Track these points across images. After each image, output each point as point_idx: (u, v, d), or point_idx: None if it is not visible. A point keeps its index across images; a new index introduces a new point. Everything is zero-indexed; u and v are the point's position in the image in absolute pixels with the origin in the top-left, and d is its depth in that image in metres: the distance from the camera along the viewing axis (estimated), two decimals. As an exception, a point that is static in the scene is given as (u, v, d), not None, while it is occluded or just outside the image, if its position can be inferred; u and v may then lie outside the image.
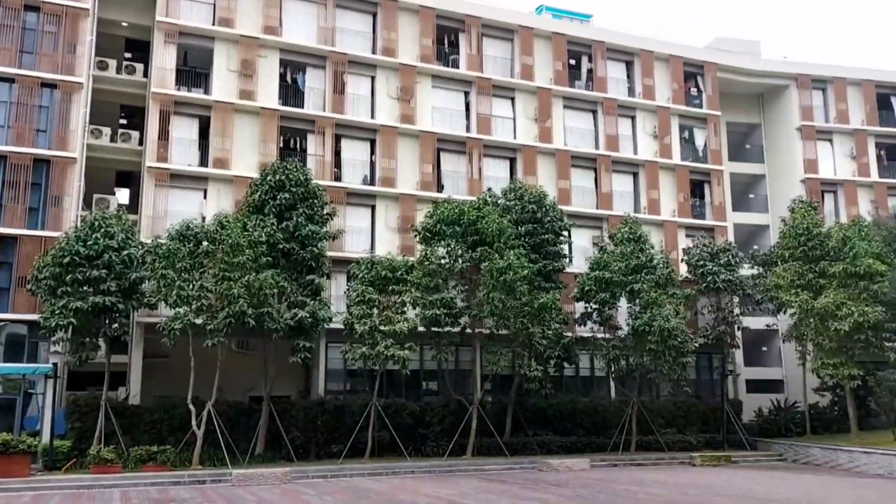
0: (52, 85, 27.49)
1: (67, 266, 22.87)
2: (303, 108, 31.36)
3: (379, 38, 32.93)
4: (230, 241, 23.40)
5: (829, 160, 40.14)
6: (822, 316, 27.77)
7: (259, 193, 26.47)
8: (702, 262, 32.65)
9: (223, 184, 29.28)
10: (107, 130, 29.30)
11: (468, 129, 33.79)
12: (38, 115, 27.28)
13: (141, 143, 29.70)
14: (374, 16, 33.23)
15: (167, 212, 27.91)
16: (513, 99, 34.81)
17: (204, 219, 27.34)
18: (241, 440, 24.79)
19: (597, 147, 35.94)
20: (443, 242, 27.19)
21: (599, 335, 30.21)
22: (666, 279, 29.36)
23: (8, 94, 26.98)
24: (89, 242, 23.14)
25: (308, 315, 24.97)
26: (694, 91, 39.17)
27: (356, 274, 26.81)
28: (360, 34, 32.93)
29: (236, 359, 27.23)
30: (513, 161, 34.49)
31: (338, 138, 31.61)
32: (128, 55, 31.79)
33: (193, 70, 31.04)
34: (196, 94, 30.13)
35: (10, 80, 27.00)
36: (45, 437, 23.73)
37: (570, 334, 30.07)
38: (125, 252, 23.88)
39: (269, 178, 26.47)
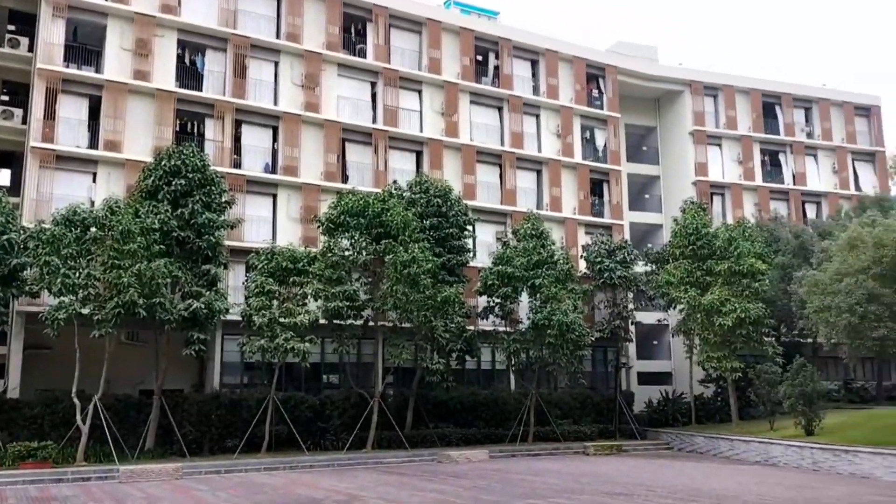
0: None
1: (-62, 250, 21.22)
2: (201, 91, 30.27)
3: (283, 23, 32.18)
4: (121, 227, 22.30)
5: (719, 164, 42.25)
6: (708, 312, 29.18)
7: (153, 178, 25.35)
8: (600, 259, 33.71)
9: (114, 167, 27.89)
10: (-14, 106, 27.33)
11: (375, 120, 33.54)
12: None
13: (25, 121, 27.89)
14: (279, 0, 32.45)
15: (52, 195, 26.34)
16: (420, 92, 34.81)
17: (93, 204, 26.08)
18: (129, 435, 23.78)
19: (502, 143, 36.44)
20: (347, 234, 26.90)
21: (501, 329, 30.70)
22: (566, 275, 30.11)
23: None
24: (-37, 226, 21.54)
25: (203, 306, 24.16)
26: (595, 93, 40.34)
27: (255, 264, 26.14)
28: (263, 18, 32.09)
29: (125, 351, 26.04)
30: (419, 154, 34.51)
31: (238, 124, 30.70)
32: (11, 28, 29.74)
33: (84, 47, 29.39)
34: (86, 73, 28.56)
35: None
36: None
37: (472, 328, 30.41)
38: (5, 237, 22.47)
39: (164, 163, 25.38)
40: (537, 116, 37.75)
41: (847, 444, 22.18)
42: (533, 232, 30.76)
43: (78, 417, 22.46)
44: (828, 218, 40.01)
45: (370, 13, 34.08)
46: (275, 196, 30.85)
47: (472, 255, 32.01)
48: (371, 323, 27.85)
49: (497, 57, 37.38)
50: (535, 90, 38.08)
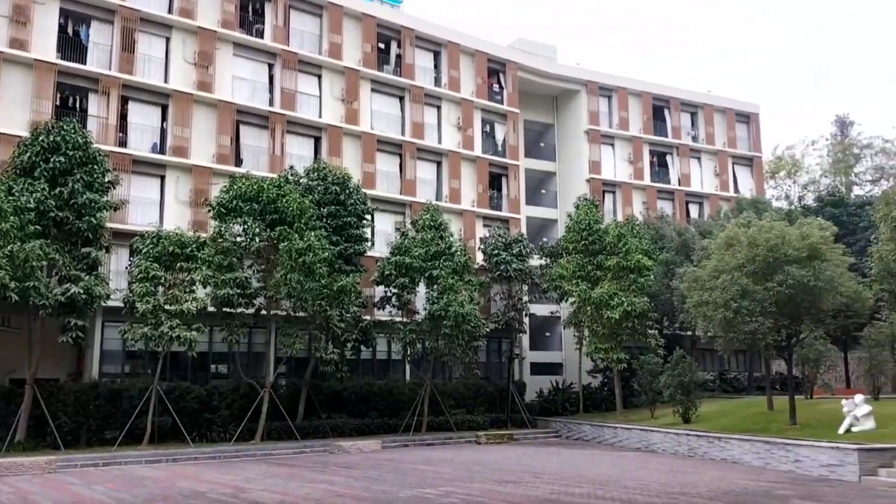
0: None
1: None
2: (85, 64, 28.55)
3: (177, -3, 30.77)
4: (-9, 205, 20.71)
5: (611, 163, 43.72)
6: (598, 305, 30.19)
7: (29, 155, 23.70)
8: (496, 252, 34.20)
9: (-16, 141, 25.87)
10: None
11: (271, 103, 32.66)
12: None
13: None
14: (172, -27, 31.05)
15: (-89, 168, 24.14)
16: (320, 77, 34.15)
17: (-42, 179, 24.02)
18: (-3, 428, 22.21)
19: (403, 133, 36.30)
20: (239, 219, 26.07)
21: (398, 319, 30.63)
22: (463, 266, 30.38)
23: None
24: None
25: (82, 291, 22.85)
26: (496, 87, 40.85)
27: (140, 248, 24.96)
28: (155, -10, 30.59)
29: (-6, 338, 24.29)
30: (317, 140, 33.87)
31: (125, 100, 29.17)
32: None
33: (-48, 10, 27.06)
34: (-46, 37, 26.32)
35: None
36: None
37: (368, 318, 30.19)
38: None
39: (41, 139, 23.76)
40: (438, 108, 37.83)
41: (720, 432, 23.50)
42: (432, 223, 30.83)
43: (-63, 409, 20.77)
44: (709, 218, 42.15)
45: (270, -7, 33.13)
46: (163, 178, 29.52)
47: (370, 244, 31.76)
48: (263, 311, 27.15)
49: (399, 46, 37.17)
50: (437, 81, 38.14)
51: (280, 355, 27.68)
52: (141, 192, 28.78)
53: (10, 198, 21.49)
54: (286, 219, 25.99)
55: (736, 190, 46.74)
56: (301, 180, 29.49)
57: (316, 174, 29.92)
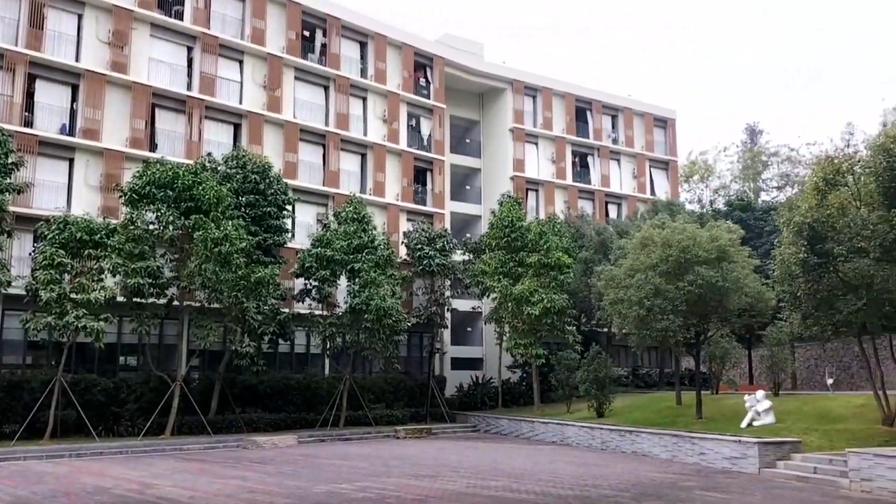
0: None
1: None
2: (-12, 37, 26.89)
3: (90, -27, 29.37)
4: None
5: (535, 161, 44.34)
6: (519, 301, 30.59)
7: (-79, 131, 22.16)
8: (420, 246, 34.17)
9: None
10: None
11: (189, 87, 31.61)
12: None
13: None
14: (87, -53, 29.58)
15: None
16: (241, 62, 33.27)
17: None
18: None
19: (327, 124, 35.79)
20: (152, 206, 25.17)
21: (317, 312, 30.20)
22: (386, 260, 30.20)
23: None
24: None
25: (-21, 277, 21.53)
26: (423, 82, 40.77)
27: (45, 234, 23.70)
28: (66, -35, 29.10)
29: None
30: (237, 127, 33.00)
31: (32, 78, 27.67)
32: None
33: None
34: None
35: None
36: None
37: (286, 310, 29.66)
38: None
39: (-65, 114, 22.26)
40: (364, 99, 37.47)
41: (631, 426, 24.19)
42: (355, 216, 30.52)
43: None
44: (626, 218, 43.32)
45: (190, -27, 32.02)
46: (72, 161, 28.16)
47: (290, 235, 31.22)
48: (176, 302, 26.29)
49: (325, 35, 36.60)
50: (363, 73, 37.76)
51: (193, 348, 26.87)
52: (48, 175, 27.38)
53: None
54: (202, 207, 25.21)
55: (653, 192, 48.18)
56: (219, 168, 28.68)
57: (235, 162, 29.14)
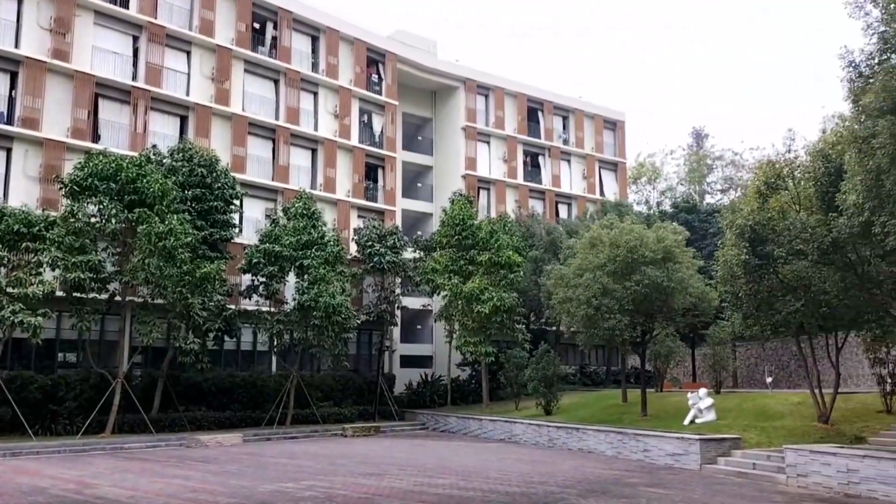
0: None
1: None
2: (-80, 20, 25.72)
3: (31, -44, 28.34)
4: None
5: (486, 160, 44.55)
6: (469, 299, 30.69)
7: None
8: (370, 243, 33.96)
9: None
10: None
11: (135, 77, 30.81)
12: None
13: None
14: (27, -71, 28.54)
15: None
16: (189, 53, 32.57)
17: None
18: None
19: (277, 118, 35.30)
20: (94, 199, 24.44)
21: (265, 309, 29.76)
22: (335, 257, 29.92)
23: None
24: None
25: None
26: (375, 78, 40.54)
27: (-21, 226, 22.80)
28: (5, -53, 28.03)
29: None
30: (184, 119, 32.29)
31: (-33, 64, 26.56)
32: None
33: None
34: None
35: None
36: None
37: (233, 307, 29.16)
38: None
39: None
40: (315, 94, 37.07)
41: (578, 423, 24.52)
42: (304, 211, 30.15)
43: None
44: (576, 218, 43.89)
45: (137, -40, 31.17)
46: (9, 150, 27.18)
47: (237, 230, 30.72)
48: (118, 297, 25.60)
49: (276, 28, 36.07)
50: (315, 67, 37.35)
51: (136, 344, 26.21)
52: (-18, 164, 26.35)
53: None
54: (146, 200, 24.59)
55: (602, 193, 48.89)
56: (164, 160, 28.02)
57: (181, 155, 28.50)
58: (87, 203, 24.50)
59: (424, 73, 42.86)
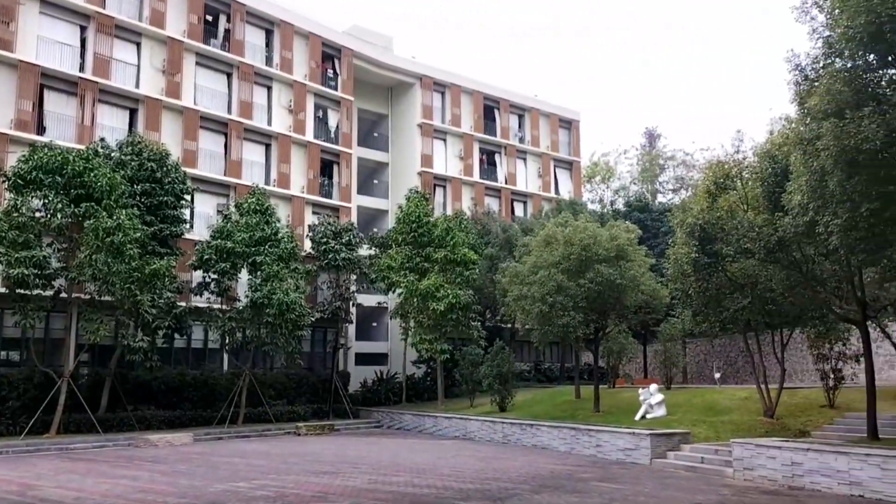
0: None
1: None
2: None
3: (-28, -61, 27.32)
4: None
5: (442, 157, 44.55)
6: (424, 296, 30.66)
7: None
8: (325, 240, 33.68)
9: None
10: None
11: (82, 68, 29.96)
12: None
13: None
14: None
15: None
16: (139, 45, 31.82)
17: None
18: None
19: (229, 112, 34.73)
20: (39, 193, 23.70)
21: (216, 306, 29.28)
22: (289, 253, 29.58)
23: None
24: None
25: None
26: (330, 73, 40.19)
27: (-84, 219, 21.91)
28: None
29: None
30: (134, 112, 31.54)
31: None
32: None
33: None
34: None
35: None
36: None
37: (183, 304, 28.61)
38: None
39: None
40: (269, 88, 36.58)
41: (532, 419, 24.71)
42: (258, 207, 29.73)
43: None
44: (531, 216, 44.21)
45: (85, -52, 30.31)
46: (-52, 141, 26.15)
47: (188, 226, 30.17)
48: (64, 294, 24.87)
49: (229, 20, 35.46)
50: (269, 61, 36.85)
51: (82, 342, 25.51)
52: (-82, 155, 25.32)
53: None
54: (94, 194, 23.96)
55: (557, 191, 49.34)
56: (113, 154, 27.33)
57: (130, 148, 27.82)
58: (32, 197, 23.74)
59: (381, 69, 42.65)
